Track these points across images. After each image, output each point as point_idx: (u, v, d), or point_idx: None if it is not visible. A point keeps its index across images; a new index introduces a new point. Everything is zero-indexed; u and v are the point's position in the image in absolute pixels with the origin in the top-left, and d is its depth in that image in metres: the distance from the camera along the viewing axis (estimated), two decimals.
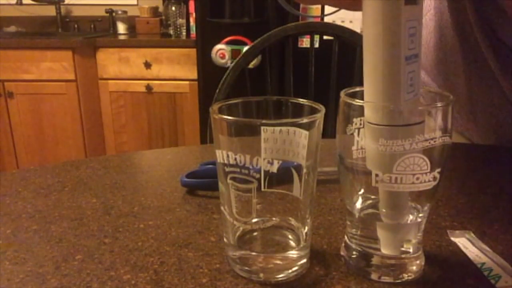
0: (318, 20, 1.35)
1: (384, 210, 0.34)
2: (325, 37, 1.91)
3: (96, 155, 2.31)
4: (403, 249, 0.35)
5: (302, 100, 0.36)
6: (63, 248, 0.40)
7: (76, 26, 2.73)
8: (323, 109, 0.33)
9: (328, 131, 1.06)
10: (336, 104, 0.49)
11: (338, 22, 1.82)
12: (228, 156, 0.32)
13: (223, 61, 2.09)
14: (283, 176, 0.32)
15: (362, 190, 0.35)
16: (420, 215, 0.35)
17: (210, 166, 0.54)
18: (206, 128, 1.37)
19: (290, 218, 0.36)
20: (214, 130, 0.34)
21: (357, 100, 0.33)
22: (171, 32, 2.45)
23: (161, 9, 2.69)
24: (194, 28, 2.26)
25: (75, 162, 0.61)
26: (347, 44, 1.12)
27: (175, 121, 2.38)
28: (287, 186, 0.33)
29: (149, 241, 0.41)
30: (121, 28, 2.62)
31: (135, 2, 2.76)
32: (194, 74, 2.26)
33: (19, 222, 0.44)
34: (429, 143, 0.31)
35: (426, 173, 0.31)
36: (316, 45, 1.82)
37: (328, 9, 1.81)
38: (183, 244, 0.40)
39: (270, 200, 0.34)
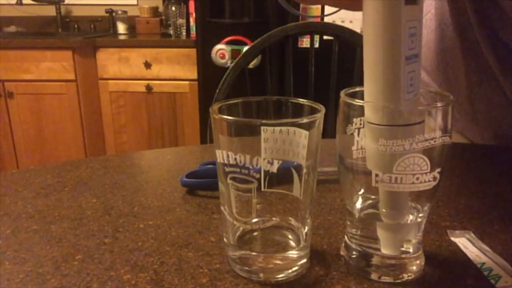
0: (318, 20, 1.35)
1: (384, 210, 0.34)
2: (325, 37, 1.91)
3: (96, 155, 2.31)
4: (403, 249, 0.35)
5: (302, 100, 0.36)
6: (63, 248, 0.40)
7: (76, 26, 2.73)
8: (323, 109, 0.33)
9: (328, 131, 1.06)
10: (336, 104, 0.49)
11: (338, 22, 1.82)
12: (228, 156, 0.32)
13: (223, 61, 2.09)
14: (283, 176, 0.32)
15: (362, 190, 0.35)
16: (420, 215, 0.35)
17: (210, 166, 0.54)
18: (206, 128, 1.38)
19: (290, 218, 0.36)
20: (214, 130, 0.34)
21: (357, 100, 0.33)
22: (171, 32, 2.45)
23: (161, 9, 2.69)
24: (194, 28, 2.26)
25: (75, 162, 0.61)
26: (347, 44, 1.12)
27: (175, 121, 2.38)
28: (287, 186, 0.33)
29: (149, 241, 0.41)
30: (121, 28, 2.62)
31: (135, 2, 2.76)
32: (194, 74, 2.26)
33: (19, 222, 0.44)
34: (429, 143, 0.31)
35: (426, 173, 0.31)
36: (316, 45, 1.82)
37: (328, 9, 1.81)
38: (183, 244, 0.40)
39: (270, 200, 0.34)
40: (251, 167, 0.32)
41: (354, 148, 0.33)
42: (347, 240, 0.37)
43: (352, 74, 1.15)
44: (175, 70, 2.29)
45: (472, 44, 0.62)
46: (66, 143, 2.40)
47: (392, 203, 0.34)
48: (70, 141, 2.40)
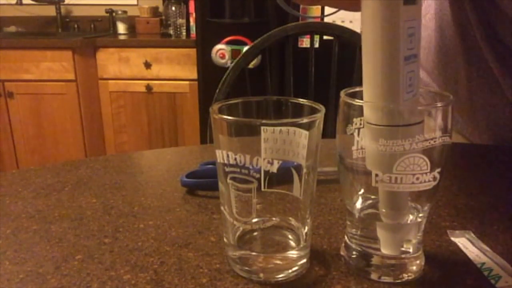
0: (318, 20, 1.35)
1: (384, 210, 0.34)
2: (325, 37, 1.91)
3: (96, 155, 2.31)
4: (403, 249, 0.35)
5: (302, 100, 0.36)
6: (63, 248, 0.40)
7: (76, 26, 2.73)
8: (323, 109, 0.33)
9: (328, 131, 1.06)
10: (336, 104, 0.49)
11: (338, 22, 1.82)
12: (228, 156, 0.32)
13: (223, 61, 2.09)
14: (283, 176, 0.32)
15: (362, 190, 0.35)
16: (420, 215, 0.35)
17: (210, 166, 0.54)
18: (206, 128, 1.38)
19: (290, 218, 0.36)
20: (214, 130, 0.34)
21: (357, 100, 0.33)
22: (171, 32, 2.45)
23: (161, 9, 2.69)
24: (194, 28, 2.26)
25: (75, 162, 0.61)
26: (347, 44, 1.12)
27: (175, 121, 2.38)
28: (287, 186, 0.33)
29: (149, 241, 0.41)
30: (121, 28, 2.62)
31: (135, 2, 2.76)
32: (194, 74, 2.26)
33: (19, 222, 0.44)
34: (429, 143, 0.31)
35: (426, 173, 0.31)
36: (316, 45, 1.82)
37: (328, 9, 1.81)
38: (183, 244, 0.40)
39: (270, 200, 0.34)
40: (251, 167, 0.32)
41: (354, 148, 0.33)
42: (347, 240, 0.37)
43: (352, 74, 1.15)
44: (175, 70, 2.29)
45: (472, 44, 0.62)
46: (66, 143, 2.40)
47: (392, 203, 0.34)
48: (70, 141, 2.40)
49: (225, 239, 0.37)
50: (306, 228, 0.35)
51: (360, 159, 0.33)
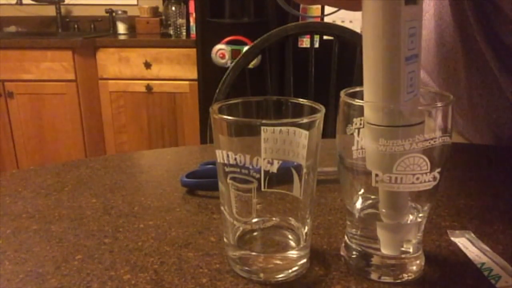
0: (318, 20, 1.35)
1: (384, 210, 0.34)
2: (325, 37, 1.91)
3: (96, 155, 2.31)
4: (403, 249, 0.35)
5: (302, 100, 0.36)
6: (63, 248, 0.40)
7: (76, 26, 2.73)
8: (323, 109, 0.33)
9: (328, 131, 1.06)
10: (336, 104, 0.49)
11: (338, 22, 1.82)
12: (228, 156, 0.32)
13: (223, 61, 2.09)
14: (283, 176, 0.32)
15: (362, 190, 0.35)
16: (420, 215, 0.35)
17: (210, 166, 0.54)
18: (206, 128, 1.37)
19: (290, 218, 0.36)
20: (214, 130, 0.34)
21: (357, 100, 0.33)
22: (171, 32, 2.45)
23: (161, 9, 2.69)
24: (194, 28, 2.26)
25: (75, 162, 0.61)
26: (347, 44, 1.12)
27: (175, 121, 2.38)
28: (287, 186, 0.33)
29: (149, 241, 0.41)
30: (121, 28, 2.62)
31: (135, 2, 2.76)
32: (194, 74, 2.26)
33: (19, 222, 0.44)
34: (429, 143, 0.31)
35: (426, 173, 0.31)
36: (316, 45, 1.81)
37: (328, 9, 1.81)
38: (183, 244, 0.40)
39: (270, 200, 0.34)
40: (251, 167, 0.32)
41: (354, 148, 0.33)
42: (347, 240, 0.37)
43: (352, 74, 1.15)
44: (175, 70, 2.29)
45: (472, 45, 0.62)
46: (66, 143, 2.40)
47: (392, 203, 0.34)
48: (70, 141, 2.40)
49: (225, 239, 0.37)
50: (306, 228, 0.35)
51: (360, 159, 0.33)
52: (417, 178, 0.31)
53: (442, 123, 0.31)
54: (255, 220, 0.35)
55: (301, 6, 1.98)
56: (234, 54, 2.06)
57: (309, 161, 0.33)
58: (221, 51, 2.08)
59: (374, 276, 0.35)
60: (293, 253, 0.36)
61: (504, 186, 0.53)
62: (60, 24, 2.72)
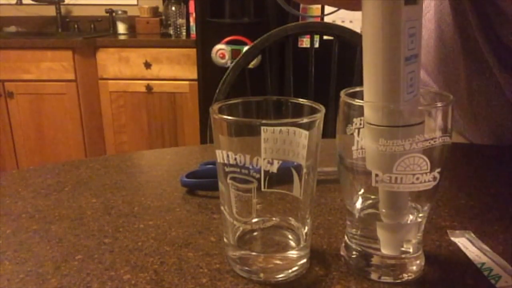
0: (318, 20, 1.35)
1: (384, 210, 0.34)
2: (325, 37, 1.91)
3: (96, 155, 2.32)
4: (403, 249, 0.35)
5: (302, 100, 0.36)
6: (63, 248, 0.40)
7: (76, 26, 2.73)
8: (323, 109, 0.33)
9: (328, 131, 1.06)
10: (336, 104, 0.49)
11: (338, 22, 1.82)
12: (228, 156, 0.32)
13: (223, 61, 2.09)
14: (283, 176, 0.32)
15: (362, 190, 0.35)
16: (420, 215, 0.35)
17: (210, 166, 0.54)
18: (206, 128, 1.38)
19: (290, 218, 0.36)
20: (214, 130, 0.34)
21: (357, 100, 0.33)
22: (171, 32, 2.45)
23: (161, 9, 2.69)
24: (194, 28, 2.26)
25: (75, 162, 0.61)
26: (347, 44, 1.12)
27: (175, 121, 2.38)
28: (287, 186, 0.33)
29: (149, 241, 0.41)
30: (121, 28, 2.62)
31: (135, 2, 2.76)
32: (194, 74, 2.26)
33: (19, 222, 0.44)
34: (429, 143, 0.31)
35: (426, 173, 0.31)
36: (316, 45, 1.82)
37: (328, 9, 1.82)
38: (183, 244, 0.40)
39: (270, 200, 0.34)
40: (251, 167, 0.32)
41: (354, 148, 0.33)
42: (347, 240, 0.37)
43: (352, 74, 1.15)
44: (175, 70, 2.29)
45: (472, 45, 0.62)
46: (66, 143, 2.40)
47: (392, 203, 0.34)
48: (70, 141, 2.40)
49: (225, 239, 0.37)
50: (306, 228, 0.35)
51: (360, 159, 0.33)
52: (417, 178, 0.31)
53: (442, 123, 0.31)
54: (255, 220, 0.35)
55: (301, 6, 1.98)
56: (234, 54, 2.06)
57: (309, 161, 0.33)
58: (221, 51, 2.08)
59: (374, 276, 0.35)
60: (293, 253, 0.36)
61: (504, 186, 0.53)
62: (60, 24, 2.72)
